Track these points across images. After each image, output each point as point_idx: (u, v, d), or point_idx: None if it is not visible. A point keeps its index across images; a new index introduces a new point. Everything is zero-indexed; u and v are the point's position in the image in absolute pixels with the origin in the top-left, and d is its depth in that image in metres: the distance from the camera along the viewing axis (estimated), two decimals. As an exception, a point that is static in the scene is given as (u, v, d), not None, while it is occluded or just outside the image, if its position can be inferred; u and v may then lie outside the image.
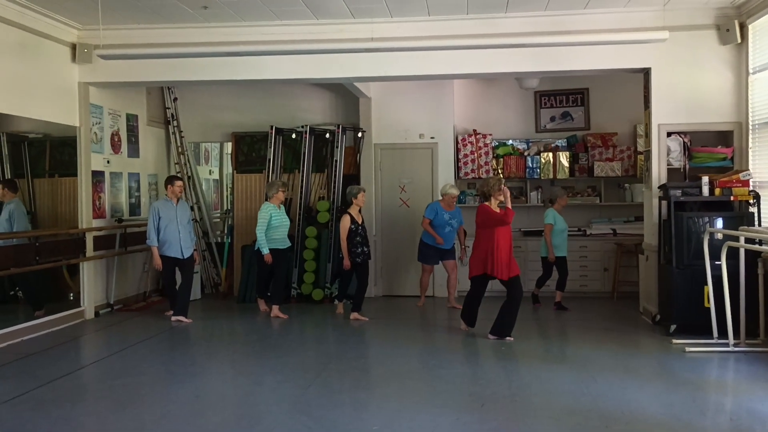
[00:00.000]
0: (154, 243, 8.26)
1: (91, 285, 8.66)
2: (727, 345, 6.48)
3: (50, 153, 8.82)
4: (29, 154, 8.53)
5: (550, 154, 10.16)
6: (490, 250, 7.11)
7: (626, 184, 10.09)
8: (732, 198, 7.21)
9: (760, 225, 7.10)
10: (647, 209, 8.24)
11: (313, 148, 10.19)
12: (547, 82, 10.29)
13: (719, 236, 6.85)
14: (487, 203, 7.30)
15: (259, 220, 8.51)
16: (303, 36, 8.06)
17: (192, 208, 10.20)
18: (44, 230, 8.44)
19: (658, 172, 7.92)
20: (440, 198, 9.06)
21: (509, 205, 7.23)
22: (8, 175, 8.23)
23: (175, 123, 10.59)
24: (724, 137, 8.01)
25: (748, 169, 7.46)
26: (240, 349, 7.41)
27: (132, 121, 9.79)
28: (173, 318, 8.36)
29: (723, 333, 6.55)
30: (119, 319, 8.62)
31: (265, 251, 8.46)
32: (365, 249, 8.42)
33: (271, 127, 10.18)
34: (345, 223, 8.31)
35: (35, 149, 8.63)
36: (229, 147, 11.31)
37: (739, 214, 7.24)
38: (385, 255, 10.18)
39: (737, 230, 6.57)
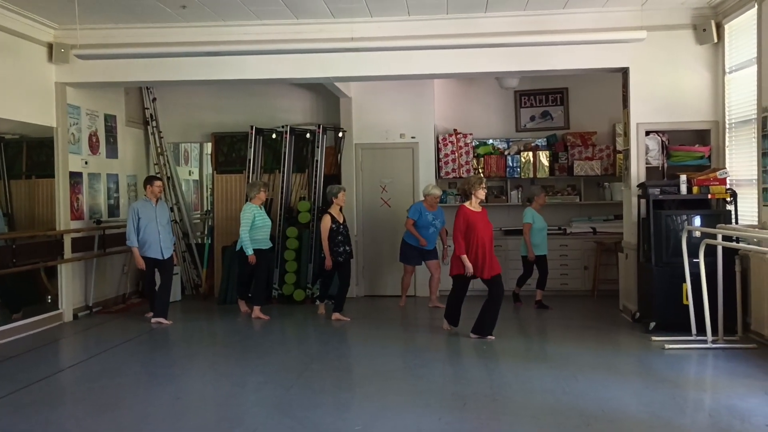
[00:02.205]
0: (134, 244, 8.19)
1: (70, 287, 8.58)
2: (705, 342, 6.54)
3: (27, 154, 8.72)
4: (5, 155, 8.42)
5: (530, 154, 10.21)
6: (470, 250, 7.12)
7: (606, 183, 10.16)
8: (709, 196, 7.29)
9: (737, 223, 7.18)
10: (626, 208, 8.30)
11: (294, 148, 10.16)
12: (527, 82, 10.34)
13: (697, 234, 6.92)
14: (466, 204, 7.32)
15: (243, 220, 8.47)
16: (283, 36, 8.04)
17: (172, 209, 10.14)
18: (21, 232, 8.33)
19: (636, 171, 7.99)
20: (422, 198, 9.07)
21: (464, 261, 7.14)
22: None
23: (154, 123, 10.51)
24: (701, 136, 8.09)
25: (725, 168, 7.55)
26: (221, 350, 7.37)
27: (110, 122, 9.70)
28: (153, 320, 8.29)
29: (701, 330, 6.61)
30: (98, 322, 8.54)
31: (250, 252, 8.42)
32: (347, 248, 8.41)
33: (251, 127, 10.14)
34: (326, 223, 8.29)
35: (11, 150, 8.52)
36: (208, 147, 11.26)
37: (717, 212, 7.32)
38: (366, 255, 10.17)
39: (715, 228, 6.64)
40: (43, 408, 5.17)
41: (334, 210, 8.40)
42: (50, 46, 8.32)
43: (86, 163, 9.07)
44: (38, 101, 8.22)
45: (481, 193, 7.31)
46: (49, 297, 8.57)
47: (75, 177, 8.77)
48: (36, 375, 6.04)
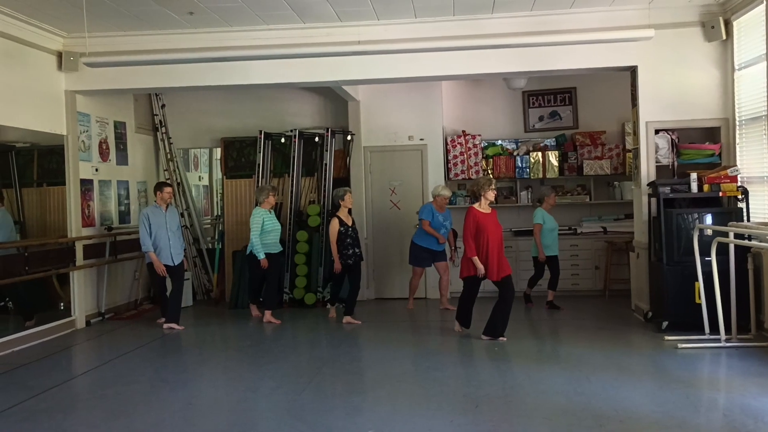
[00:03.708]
0: (150, 248, 8.20)
1: (82, 294, 8.62)
2: (718, 341, 6.50)
3: (38, 162, 8.77)
4: (17, 163, 8.47)
5: (540, 154, 10.18)
6: (480, 251, 7.11)
7: (615, 182, 10.12)
8: (720, 194, 7.25)
9: (748, 220, 7.13)
10: (637, 207, 8.26)
11: (303, 152, 10.18)
12: (535, 82, 10.31)
13: (709, 232, 6.88)
14: (475, 205, 7.31)
15: (253, 225, 8.49)
16: (290, 40, 8.07)
17: (182, 215, 10.17)
18: (33, 240, 8.38)
19: (646, 170, 7.95)
20: (432, 200, 9.05)
21: (475, 262, 7.13)
22: (-4, 186, 8.19)
23: (163, 129, 10.56)
24: (711, 133, 8.05)
25: (736, 165, 7.50)
26: (233, 355, 7.38)
27: (120, 129, 9.75)
28: (165, 325, 8.32)
29: (714, 329, 6.58)
30: (111, 328, 8.58)
31: (261, 256, 8.43)
32: (357, 250, 8.41)
33: (260, 131, 10.16)
34: (334, 226, 8.30)
35: (23, 158, 8.57)
36: (218, 152, 11.30)
37: (728, 210, 7.28)
38: (376, 258, 10.17)
39: (726, 226, 6.60)
40: (57, 415, 5.20)
41: (342, 213, 8.40)
42: (59, 55, 8.38)
43: (96, 170, 9.11)
44: (48, 109, 8.27)
45: (491, 195, 7.29)
46: (62, 304, 8.61)
47: (86, 184, 8.82)
48: (49, 382, 6.08)
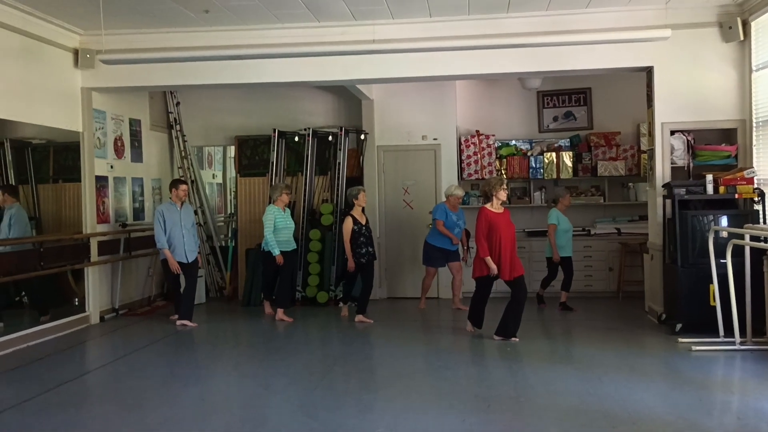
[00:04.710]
0: (165, 245, 8.23)
1: (96, 290, 8.68)
2: (733, 343, 6.45)
3: (54, 158, 8.83)
4: (33, 159, 8.53)
5: (554, 154, 10.15)
6: (493, 251, 7.09)
7: (630, 184, 10.07)
8: (736, 196, 7.19)
9: (765, 223, 7.07)
10: (651, 208, 8.22)
11: (316, 150, 10.19)
12: (550, 82, 10.28)
13: (724, 234, 6.83)
14: (487, 205, 7.29)
15: (265, 222, 8.51)
16: (305, 39, 8.08)
17: (196, 212, 10.21)
18: (48, 236, 8.44)
19: (662, 171, 7.90)
20: (444, 199, 9.04)
21: (488, 262, 7.11)
22: (12, 181, 8.24)
23: (178, 127, 10.61)
24: (727, 135, 7.99)
25: (753, 167, 7.45)
26: (245, 352, 7.41)
27: (135, 126, 9.80)
28: (178, 322, 8.36)
29: (729, 331, 6.52)
30: (124, 324, 8.63)
31: (277, 252, 8.46)
32: (370, 249, 8.41)
33: (274, 130, 10.19)
34: (347, 225, 8.31)
35: (39, 155, 8.63)
36: (232, 150, 11.35)
37: (744, 212, 7.23)
38: (389, 257, 10.17)
39: (742, 228, 6.55)
40: (71, 408, 5.24)
41: (355, 212, 8.41)
42: (76, 52, 8.44)
43: (112, 167, 9.17)
44: (65, 106, 8.33)
45: (502, 194, 7.27)
46: (76, 299, 8.67)
47: (101, 181, 8.88)
48: (63, 376, 6.12)
